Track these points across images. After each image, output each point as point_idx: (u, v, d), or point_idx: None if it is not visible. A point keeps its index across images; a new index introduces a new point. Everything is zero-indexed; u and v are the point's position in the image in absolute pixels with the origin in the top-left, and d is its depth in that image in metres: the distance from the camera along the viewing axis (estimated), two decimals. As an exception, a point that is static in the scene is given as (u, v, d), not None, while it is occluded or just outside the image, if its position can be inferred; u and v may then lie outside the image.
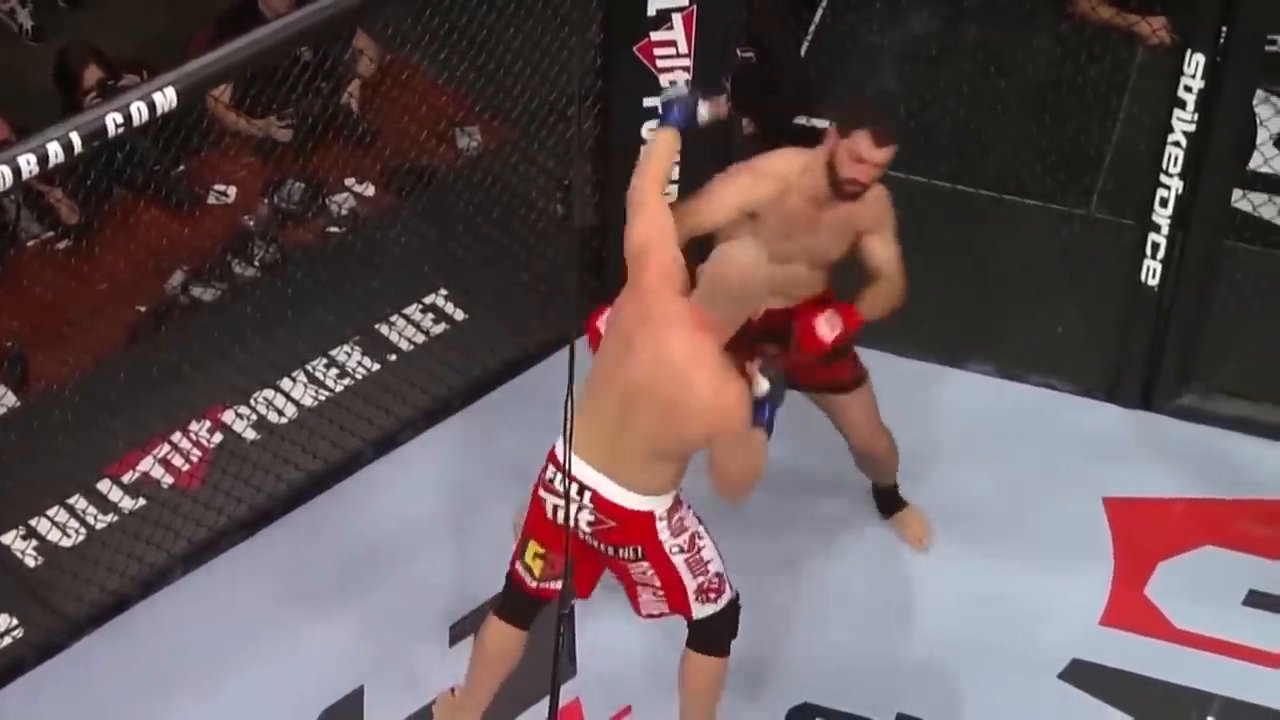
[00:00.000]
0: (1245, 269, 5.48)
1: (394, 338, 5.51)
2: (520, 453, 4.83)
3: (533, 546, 4.41)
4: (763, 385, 4.21)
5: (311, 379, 5.38)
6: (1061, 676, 4.78)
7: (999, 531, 5.11)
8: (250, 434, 5.26)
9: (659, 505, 4.31)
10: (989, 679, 4.75)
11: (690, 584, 4.39)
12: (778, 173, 4.61)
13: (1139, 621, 4.90)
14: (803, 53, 6.35)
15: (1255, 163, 5.91)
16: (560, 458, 4.30)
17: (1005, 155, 5.95)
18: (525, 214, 5.66)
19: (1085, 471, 5.25)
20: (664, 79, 5.07)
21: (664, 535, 4.33)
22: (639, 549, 4.34)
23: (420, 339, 5.51)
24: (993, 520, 5.13)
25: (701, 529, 4.40)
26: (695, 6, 5.32)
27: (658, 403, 4.16)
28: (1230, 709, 4.70)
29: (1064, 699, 4.73)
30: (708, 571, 4.39)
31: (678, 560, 4.36)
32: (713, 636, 4.47)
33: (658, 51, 5.36)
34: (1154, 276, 5.21)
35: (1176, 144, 5.03)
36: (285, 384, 5.37)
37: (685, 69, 5.37)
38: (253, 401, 5.32)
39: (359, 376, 5.40)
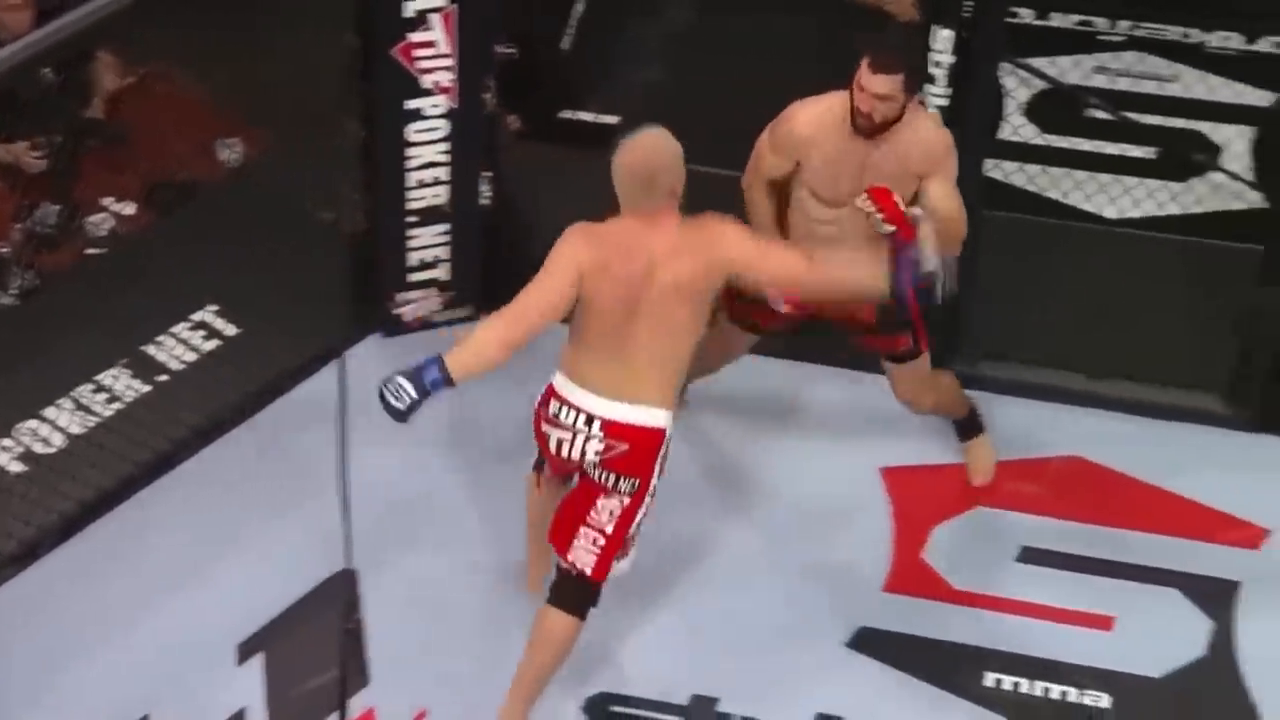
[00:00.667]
0: (1001, 236, 5.53)
1: (163, 358, 5.41)
2: (304, 462, 4.77)
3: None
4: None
5: (79, 406, 5.26)
6: (849, 645, 4.83)
7: (782, 506, 5.16)
8: (16, 466, 5.11)
9: (669, 423, 4.40)
10: (779, 653, 4.78)
11: (631, 531, 4.45)
12: (808, 119, 4.63)
13: (919, 585, 4.97)
14: (565, 46, 6.39)
15: (1004, 133, 6.08)
16: (562, 390, 4.37)
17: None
18: (293, 223, 5.57)
19: (861, 444, 5.31)
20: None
21: (657, 469, 4.41)
22: (635, 481, 4.41)
23: (191, 357, 5.42)
24: (775, 495, 5.18)
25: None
26: (455, 6, 5.30)
27: (668, 294, 4.27)
28: (1010, 662, 4.78)
29: (853, 666, 4.78)
30: (638, 528, 4.47)
31: (646, 505, 4.43)
32: (581, 597, 4.47)
33: (417, 53, 5.34)
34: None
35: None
36: (51, 413, 5.23)
37: (448, 68, 5.36)
38: (16, 433, 5.18)
39: (129, 400, 5.29)
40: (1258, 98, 6.08)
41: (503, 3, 5.73)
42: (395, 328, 5.71)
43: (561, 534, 4.47)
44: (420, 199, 5.59)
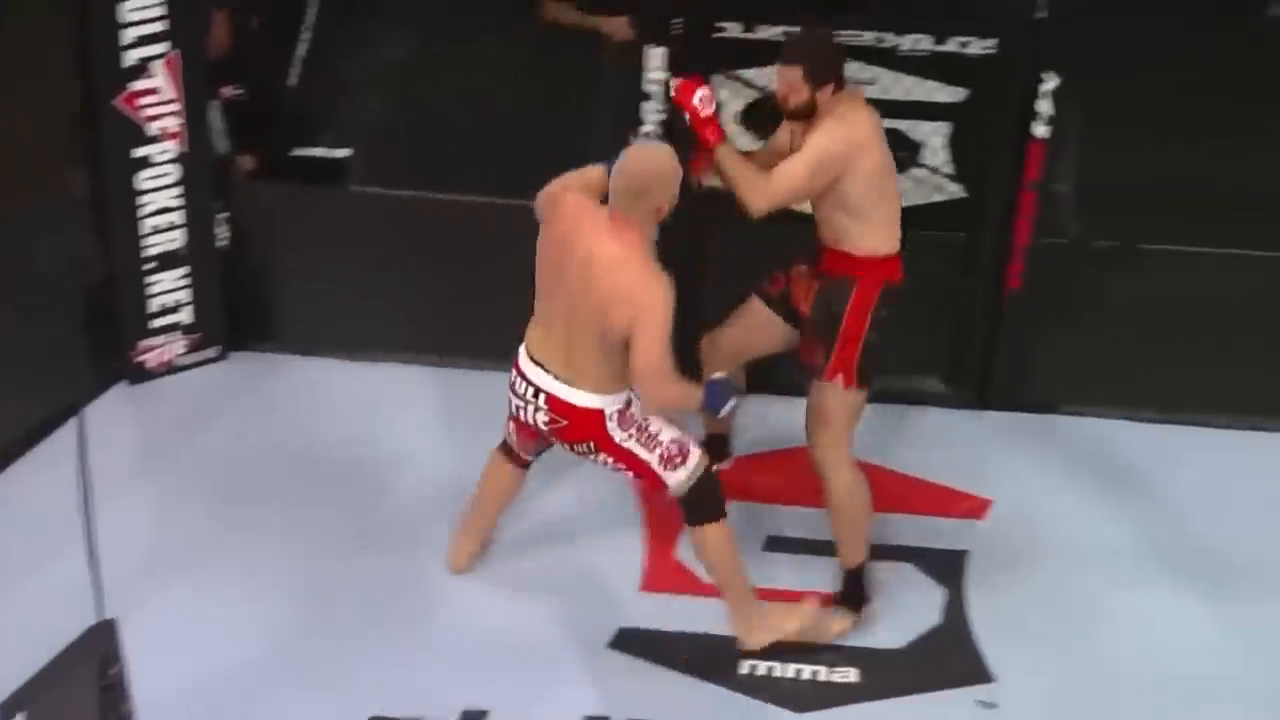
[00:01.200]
0: (726, 244, 5.53)
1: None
2: (51, 520, 4.71)
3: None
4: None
5: None
6: (611, 646, 4.95)
7: (538, 515, 5.27)
8: None
9: (609, 404, 4.65)
10: (544, 661, 4.88)
11: (650, 457, 4.70)
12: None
13: (674, 583, 5.12)
14: (292, 83, 6.40)
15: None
16: (520, 361, 4.67)
17: (501, 164, 5.98)
18: (27, 279, 5.43)
19: (611, 450, 5.50)
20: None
21: (613, 430, 4.67)
22: (591, 444, 4.70)
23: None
24: (530, 504, 5.27)
25: (651, 418, 4.69)
26: (177, 51, 5.29)
27: (595, 300, 4.49)
28: (766, 648, 4.90)
29: (616, 666, 4.89)
30: (662, 443, 4.70)
31: (630, 445, 4.69)
32: (699, 507, 4.74)
33: (141, 101, 5.33)
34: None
35: (651, 133, 5.26)
36: None
37: (174, 113, 5.35)
38: None
39: None
40: (949, 95, 6.28)
41: (232, 43, 5.76)
42: (140, 375, 5.68)
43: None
44: (156, 245, 5.58)
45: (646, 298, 4.45)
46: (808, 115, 4.76)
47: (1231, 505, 5.37)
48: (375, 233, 5.71)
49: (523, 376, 4.71)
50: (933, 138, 6.24)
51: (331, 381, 5.75)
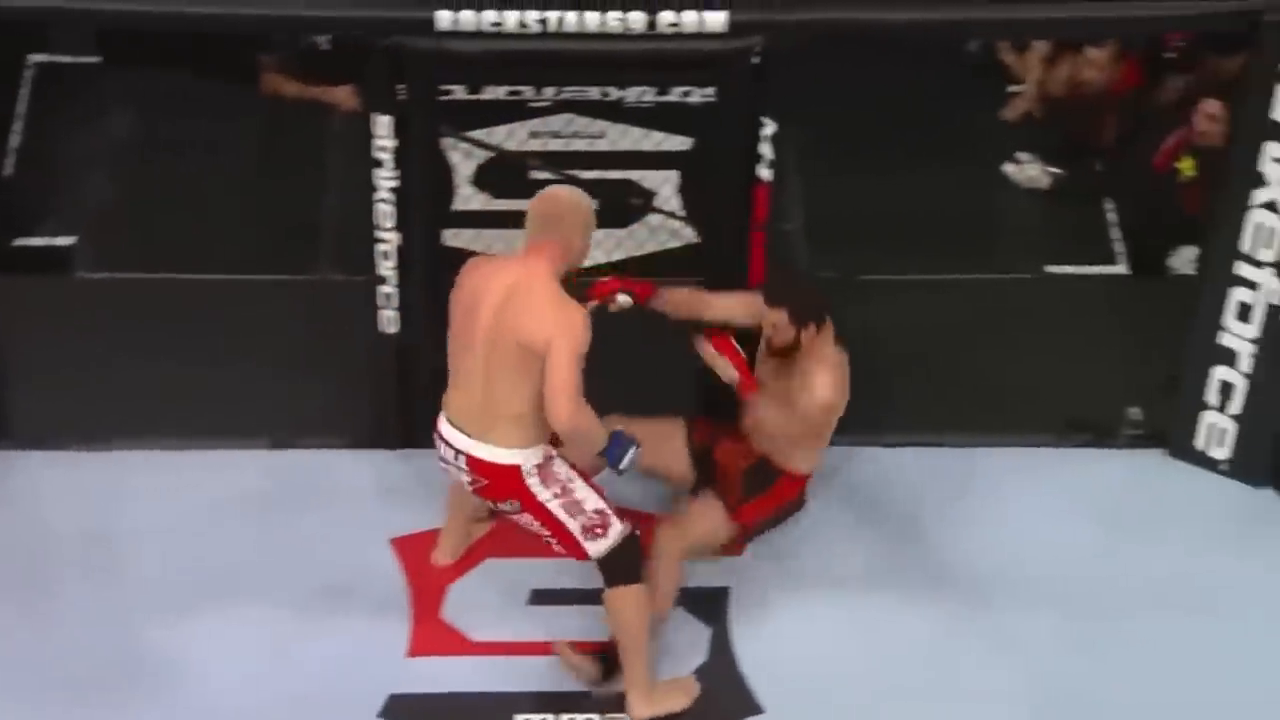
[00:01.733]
0: None
1: None
2: None
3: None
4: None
5: None
6: (382, 715, 4.89)
7: (300, 585, 5.17)
8: None
9: (525, 459, 4.70)
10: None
11: (572, 525, 4.77)
12: None
13: (441, 645, 5.07)
14: (8, 173, 6.22)
15: (458, 204, 6.20)
16: (440, 425, 4.74)
17: (232, 237, 5.98)
18: None
19: (370, 518, 5.39)
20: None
21: (534, 487, 4.72)
22: (516, 502, 4.74)
23: None
24: (291, 575, 5.19)
25: (575, 476, 4.77)
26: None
27: (511, 331, 4.56)
28: (537, 701, 4.93)
29: (388, 734, 4.87)
30: (585, 511, 4.76)
31: (553, 506, 4.74)
32: (616, 570, 4.80)
33: None
34: (393, 325, 5.40)
35: (384, 200, 5.24)
36: None
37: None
38: None
39: None
40: (676, 143, 6.37)
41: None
42: None
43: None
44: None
45: (563, 319, 4.55)
46: (790, 352, 5.04)
47: (972, 520, 5.48)
48: (104, 318, 5.55)
49: (444, 440, 4.76)
50: (663, 186, 6.30)
51: (64, 473, 5.53)
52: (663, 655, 5.02)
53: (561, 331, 4.52)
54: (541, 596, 5.21)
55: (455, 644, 5.06)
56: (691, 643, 5.07)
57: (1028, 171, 6.48)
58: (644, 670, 4.88)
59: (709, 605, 5.17)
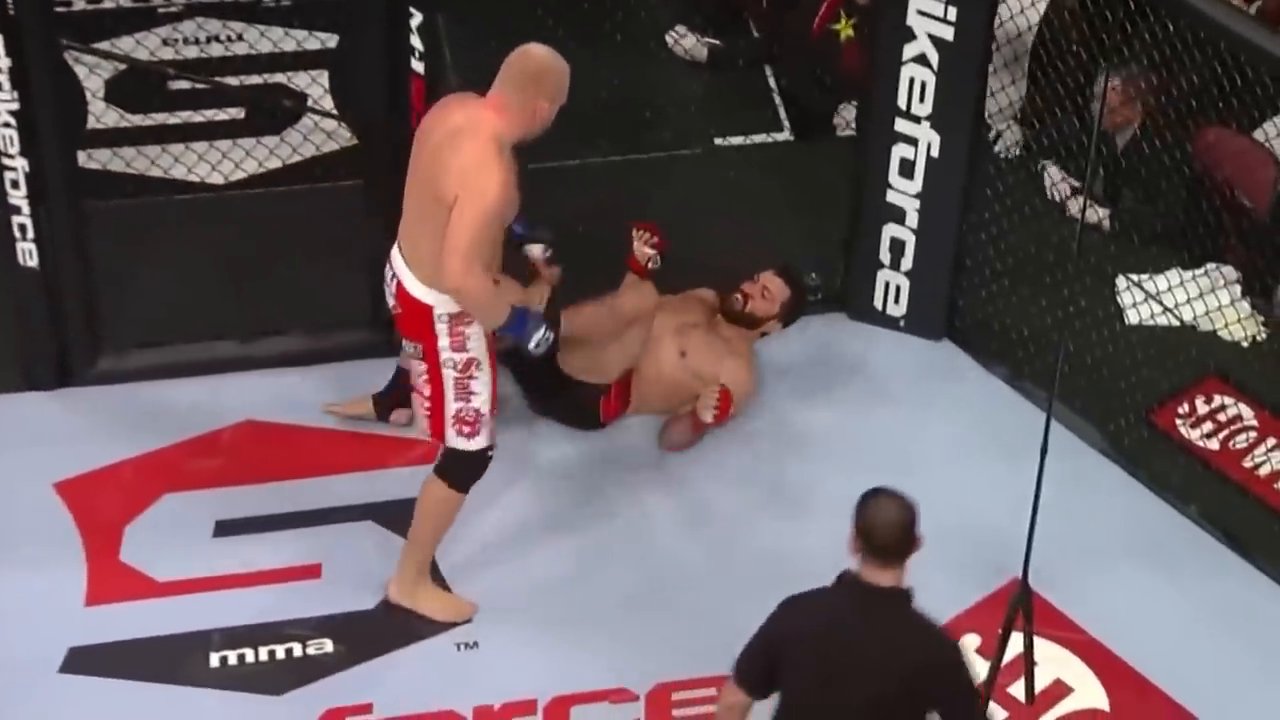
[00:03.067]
0: (116, 223, 5.43)
1: None
2: None
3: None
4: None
5: None
6: (64, 670, 4.60)
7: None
8: None
9: (439, 304, 4.48)
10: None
11: (450, 406, 4.59)
12: None
13: (123, 589, 4.80)
14: None
15: (90, 123, 5.89)
16: (392, 252, 4.53)
17: None
18: None
19: (31, 463, 5.06)
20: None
21: (442, 339, 4.52)
22: (420, 347, 4.56)
23: None
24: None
25: (486, 366, 4.57)
26: None
27: (435, 171, 4.35)
28: (232, 638, 4.71)
29: (73, 691, 4.56)
30: (469, 402, 4.58)
31: (446, 375, 4.56)
32: (455, 468, 4.68)
33: None
34: (32, 257, 5.04)
35: (6, 124, 4.85)
36: None
37: None
38: None
39: None
40: (322, 41, 6.18)
41: None
42: None
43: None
44: None
45: (477, 178, 4.28)
46: (740, 322, 5.30)
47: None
48: None
49: (389, 261, 4.59)
50: (314, 87, 6.10)
51: None
52: (364, 573, 4.82)
53: (471, 192, 4.25)
54: (226, 527, 4.97)
55: (138, 587, 4.79)
56: (392, 557, 4.85)
57: (685, 44, 6.42)
58: (417, 563, 4.76)
59: (406, 517, 4.89)
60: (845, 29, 6.16)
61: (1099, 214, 5.83)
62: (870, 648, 3.66)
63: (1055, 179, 5.93)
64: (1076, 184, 5.89)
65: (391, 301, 4.59)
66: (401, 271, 4.52)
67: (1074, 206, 5.86)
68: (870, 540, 3.67)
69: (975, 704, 3.78)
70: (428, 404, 4.61)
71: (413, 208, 4.50)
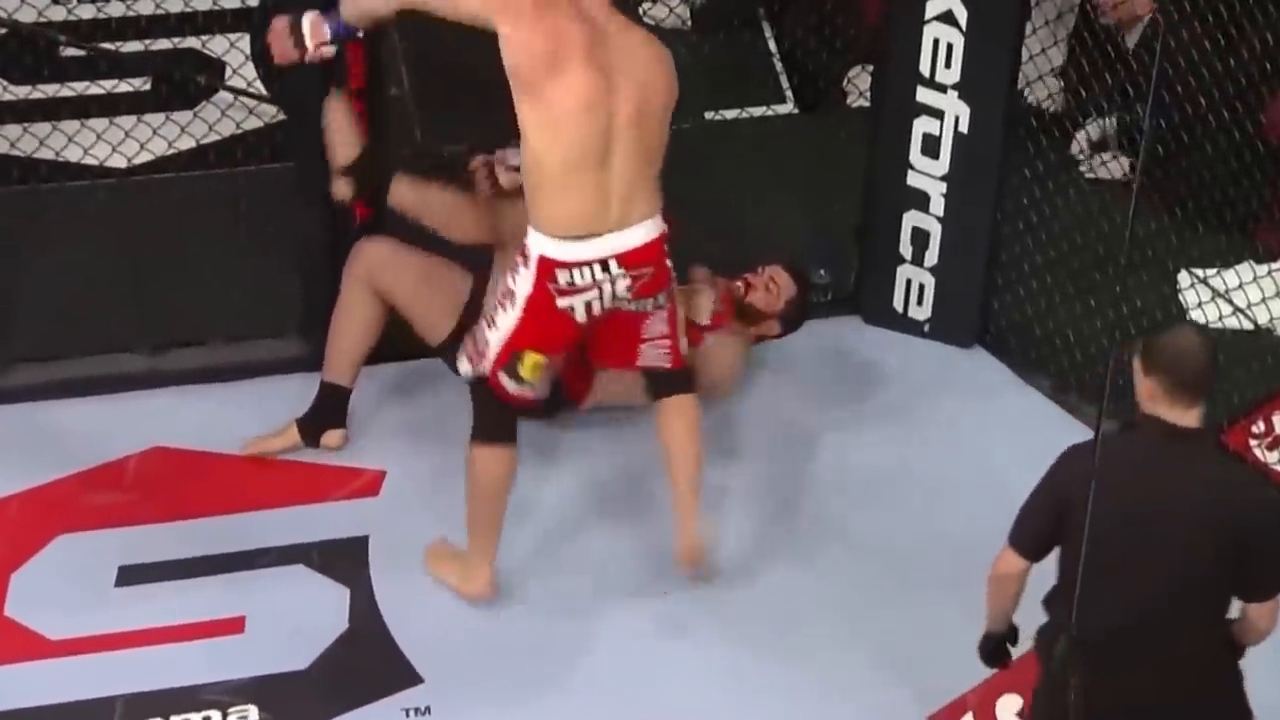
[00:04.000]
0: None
1: None
2: None
3: (532, 358, 4.76)
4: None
5: None
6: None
7: None
8: None
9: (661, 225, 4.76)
10: None
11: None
12: None
13: (10, 650, 4.75)
14: None
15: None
16: (573, 255, 4.60)
17: None
18: None
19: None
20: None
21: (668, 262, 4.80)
22: (664, 294, 4.79)
23: None
24: None
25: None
26: None
27: (647, 91, 4.57)
28: (139, 706, 4.65)
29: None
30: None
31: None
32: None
33: None
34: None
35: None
36: None
37: None
38: None
39: None
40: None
41: None
42: None
43: (619, 355, 4.90)
44: None
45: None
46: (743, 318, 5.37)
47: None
48: None
49: (578, 266, 4.63)
50: (233, 53, 6.12)
51: None
52: (293, 626, 4.79)
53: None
54: (131, 574, 4.94)
55: (27, 646, 4.74)
56: (327, 608, 4.86)
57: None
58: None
59: (345, 560, 4.99)
60: None
61: (1122, 166, 5.85)
62: (1186, 493, 3.74)
63: (1090, 136, 5.96)
64: (1095, 138, 5.92)
65: (625, 282, 4.68)
66: (626, 239, 4.64)
67: (1096, 163, 5.92)
68: (1175, 374, 3.77)
69: None
70: (668, 340, 4.88)
71: (610, 161, 4.59)
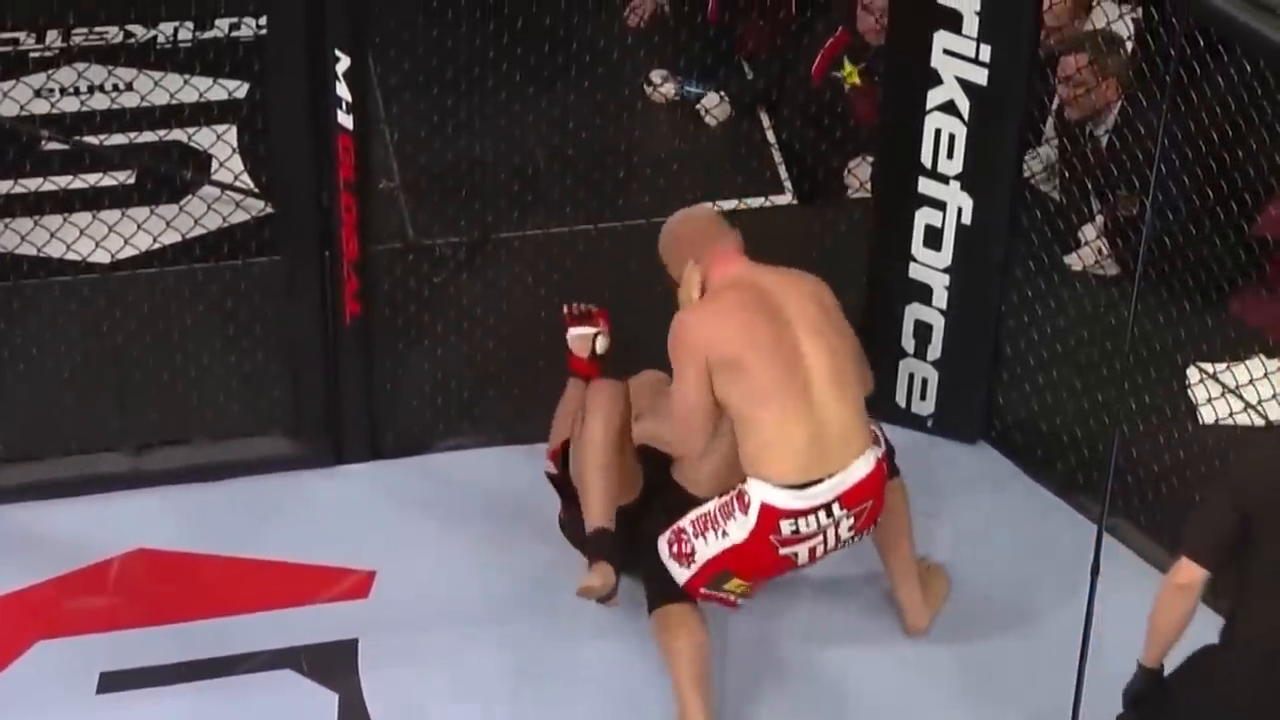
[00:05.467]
0: None
1: None
2: None
3: (740, 584, 4.82)
4: None
5: None
6: None
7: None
8: None
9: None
10: None
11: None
12: None
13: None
14: None
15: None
16: (796, 505, 4.66)
17: None
18: None
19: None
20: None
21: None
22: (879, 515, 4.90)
23: None
24: None
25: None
26: None
27: (835, 336, 4.78)
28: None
29: None
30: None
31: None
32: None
33: None
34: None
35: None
36: None
37: None
38: None
39: None
40: (229, 90, 6.23)
41: None
42: None
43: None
44: None
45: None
46: None
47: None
48: None
49: (808, 514, 4.68)
50: (220, 146, 6.14)
51: None
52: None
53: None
54: (113, 681, 4.90)
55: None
56: (319, 713, 4.83)
57: (664, 90, 6.47)
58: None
59: (333, 664, 4.95)
60: (851, 77, 6.20)
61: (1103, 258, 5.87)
62: None
63: (1088, 236, 5.96)
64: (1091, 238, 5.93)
65: (849, 523, 4.74)
66: (850, 476, 4.70)
67: (1082, 258, 5.91)
68: None
69: None
70: None
71: (823, 402, 4.71)
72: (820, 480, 4.68)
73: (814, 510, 4.69)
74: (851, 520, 4.75)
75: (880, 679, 4.97)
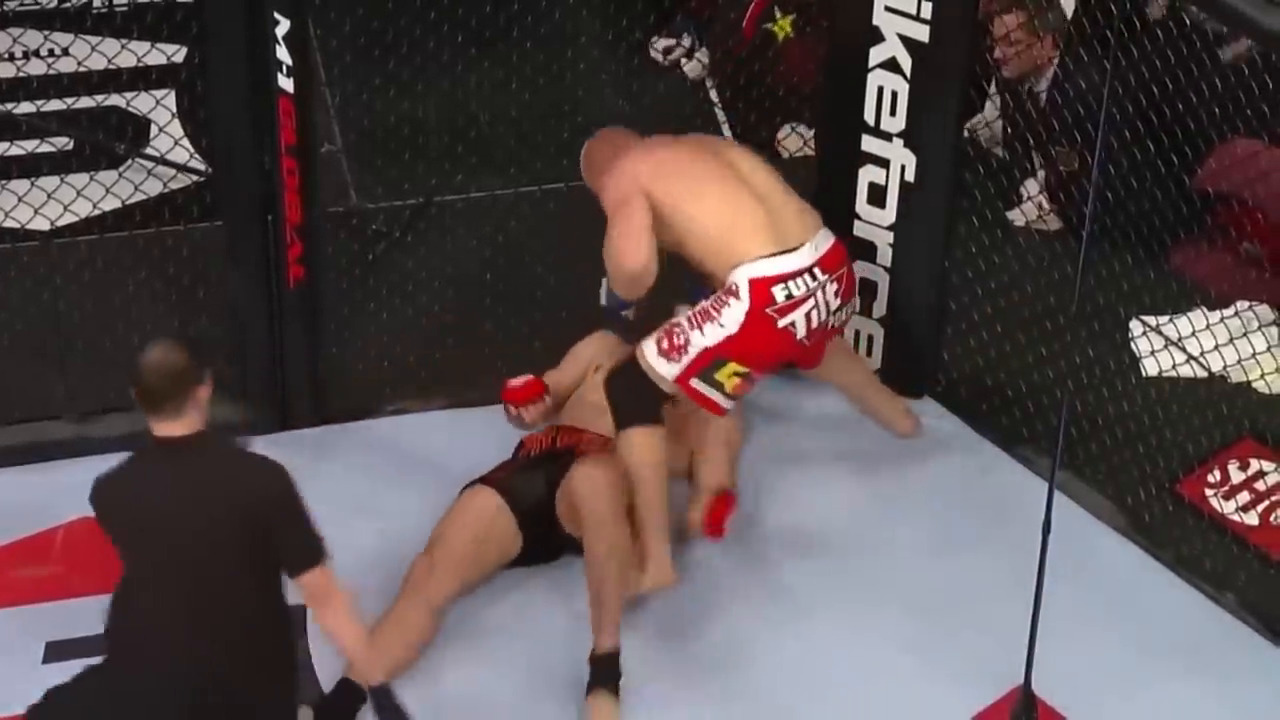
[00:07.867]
0: None
1: None
2: None
3: (734, 367, 4.94)
4: None
5: None
6: None
7: None
8: None
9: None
10: None
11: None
12: None
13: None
14: None
15: None
16: (786, 267, 4.88)
17: None
18: None
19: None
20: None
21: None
22: (856, 301, 5.23)
23: None
24: None
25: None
26: None
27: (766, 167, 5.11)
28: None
29: None
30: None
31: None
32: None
33: None
34: None
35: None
36: None
37: None
38: None
39: None
40: (167, 54, 6.19)
41: None
42: None
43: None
44: None
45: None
46: None
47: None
48: None
49: (794, 276, 4.90)
50: (160, 110, 6.11)
51: None
52: None
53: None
54: (59, 650, 4.90)
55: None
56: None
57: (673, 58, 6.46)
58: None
59: None
60: (783, 27, 6.18)
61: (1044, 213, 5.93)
62: (192, 495, 4.19)
63: (1030, 192, 6.00)
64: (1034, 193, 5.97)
65: (834, 287, 5.00)
66: (818, 246, 5.00)
67: (1025, 213, 5.95)
68: (145, 390, 4.15)
69: None
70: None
71: (762, 198, 5.00)
72: (794, 249, 4.93)
73: (800, 273, 4.93)
74: (835, 286, 5.00)
75: (830, 642, 5.01)
